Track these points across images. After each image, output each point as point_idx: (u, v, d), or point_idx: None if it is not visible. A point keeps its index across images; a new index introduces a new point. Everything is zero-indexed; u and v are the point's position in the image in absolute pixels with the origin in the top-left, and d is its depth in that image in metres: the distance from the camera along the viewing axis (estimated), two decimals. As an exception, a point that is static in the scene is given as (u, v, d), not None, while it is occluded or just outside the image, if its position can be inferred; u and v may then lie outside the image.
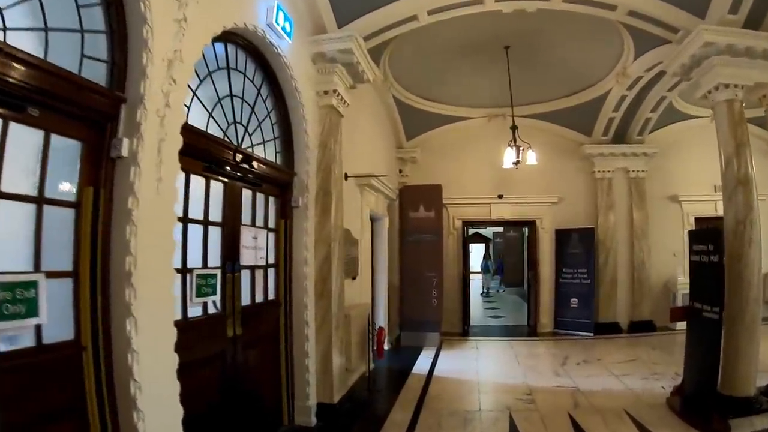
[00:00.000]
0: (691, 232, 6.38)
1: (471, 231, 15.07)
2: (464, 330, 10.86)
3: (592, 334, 10.22)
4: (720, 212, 11.63)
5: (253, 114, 4.78)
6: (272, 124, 5.18)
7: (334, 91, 5.77)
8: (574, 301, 10.68)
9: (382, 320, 8.85)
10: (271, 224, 5.09)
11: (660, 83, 8.92)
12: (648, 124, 10.57)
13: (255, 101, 4.82)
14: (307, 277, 5.33)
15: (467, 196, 11.17)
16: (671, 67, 6.58)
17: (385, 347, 8.42)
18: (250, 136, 4.67)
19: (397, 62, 8.40)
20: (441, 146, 11.35)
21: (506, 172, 9.94)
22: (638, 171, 11.05)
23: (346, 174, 6.46)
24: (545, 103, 10.58)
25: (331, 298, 5.54)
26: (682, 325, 10.35)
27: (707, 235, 5.91)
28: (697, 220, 11.49)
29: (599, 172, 10.99)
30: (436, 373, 7.57)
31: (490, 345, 9.73)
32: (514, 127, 8.39)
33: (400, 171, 11.05)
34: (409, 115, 10.26)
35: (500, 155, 8.55)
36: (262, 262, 4.82)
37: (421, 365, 7.99)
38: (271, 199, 5.10)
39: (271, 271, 5.04)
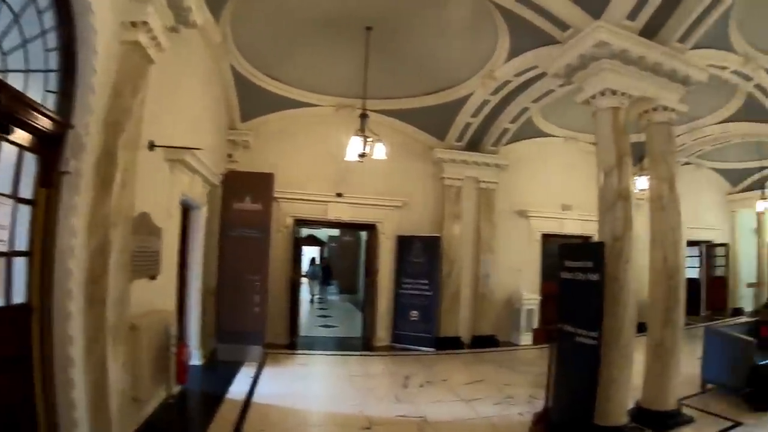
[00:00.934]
0: (564, 246, 5.98)
1: (305, 232, 14.16)
2: (292, 342, 9.80)
3: (433, 350, 9.78)
4: (566, 231, 12.42)
5: (18, 25, 3.29)
6: (47, 51, 3.65)
7: (145, 23, 4.31)
8: (414, 313, 10.17)
9: (192, 331, 7.51)
10: (25, 193, 3.55)
11: (526, 92, 8.79)
12: (505, 135, 10.50)
13: (24, 7, 3.34)
14: (74, 274, 3.85)
15: (303, 191, 10.06)
16: (554, 67, 6.26)
17: (197, 363, 7.21)
18: (3, 54, 3.25)
19: (242, 26, 7.16)
20: (279, 133, 10.16)
21: (349, 169, 9.26)
22: (489, 182, 10.96)
23: (152, 142, 5.11)
24: (401, 100, 9.96)
25: (106, 304, 4.06)
26: (526, 341, 10.71)
27: (586, 251, 5.56)
28: (544, 236, 11.79)
29: (449, 178, 10.67)
30: (256, 398, 6.37)
31: (321, 361, 8.83)
32: (364, 115, 7.53)
33: (230, 156, 9.67)
34: (247, 92, 9.00)
35: (345, 150, 7.52)
36: (3, 248, 3.33)
37: (239, 387, 6.75)
38: (28, 156, 3.55)
39: (19, 262, 3.53)
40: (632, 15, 5.57)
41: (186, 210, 7.26)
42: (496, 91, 8.88)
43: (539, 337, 5.45)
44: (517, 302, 10.85)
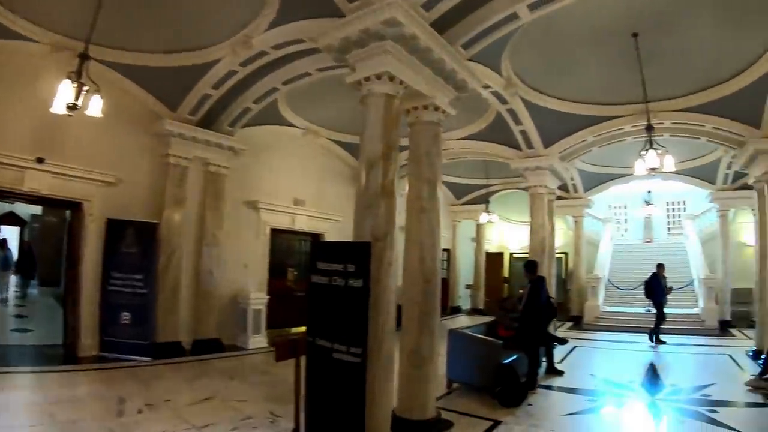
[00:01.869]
0: (317, 245, 5.47)
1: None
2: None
3: (150, 359, 8.31)
4: (297, 227, 12.11)
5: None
6: None
7: None
8: (126, 315, 8.52)
9: None
10: None
11: (280, 70, 8.23)
12: (245, 116, 9.74)
13: None
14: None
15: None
16: (329, 38, 5.65)
17: None
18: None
19: None
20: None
21: (55, 127, 7.36)
22: (220, 166, 10.04)
23: None
24: (134, 53, 8.23)
25: None
26: (255, 344, 9.92)
27: (347, 252, 4.80)
28: (274, 231, 11.35)
29: (175, 156, 9.35)
30: None
31: (7, 382, 6.59)
32: (84, 56, 5.90)
33: None
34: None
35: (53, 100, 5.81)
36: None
37: None
38: None
39: None
40: (428, 5, 5.53)
41: None
42: (247, 63, 8.06)
43: (283, 352, 4.66)
44: (243, 301, 10.16)
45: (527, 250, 19.32)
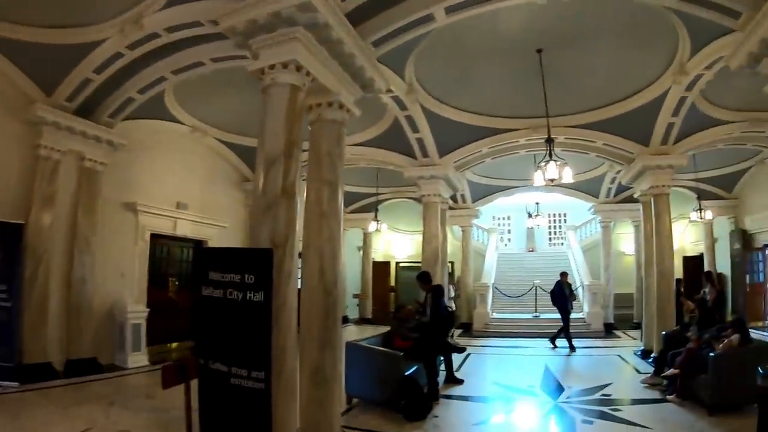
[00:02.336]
0: (208, 251, 4.75)
1: None
2: None
3: (17, 384, 7.20)
4: (179, 232, 11.33)
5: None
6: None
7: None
8: (-14, 333, 7.28)
9: None
10: None
11: (172, 57, 7.53)
12: (128, 107, 8.88)
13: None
14: None
15: None
16: (232, 20, 5.17)
17: None
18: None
19: None
20: None
21: None
22: (96, 162, 9.05)
23: None
24: (12, 25, 7.09)
25: None
26: (135, 362, 8.98)
27: (244, 260, 4.29)
28: (154, 237, 10.46)
29: (47, 148, 8.26)
30: None
31: None
32: None
33: None
34: None
35: None
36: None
37: None
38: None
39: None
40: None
41: None
42: (136, 45, 7.27)
43: (170, 377, 4.06)
44: (121, 315, 9.18)
45: (414, 260, 20.13)
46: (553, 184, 8.53)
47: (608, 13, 6.95)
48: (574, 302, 13.26)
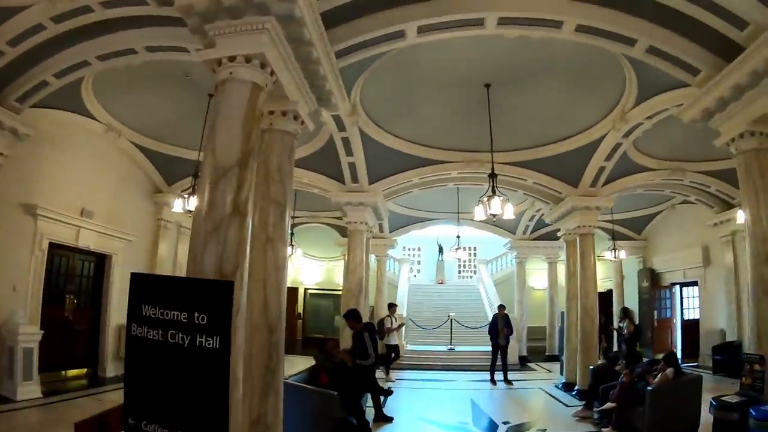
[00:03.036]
0: (141, 279, 3.27)
1: None
2: None
3: None
4: (82, 243, 9.94)
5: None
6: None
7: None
8: None
9: None
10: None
11: (102, 39, 6.42)
12: (40, 91, 7.44)
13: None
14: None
15: None
16: None
17: None
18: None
19: None
20: None
21: None
22: (-6, 153, 7.58)
23: None
24: None
25: None
26: (26, 394, 7.48)
27: (194, 294, 3.16)
28: (52, 246, 8.98)
29: (-66, 131, 6.74)
30: None
31: None
32: None
33: None
34: None
35: None
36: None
37: None
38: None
39: None
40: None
41: None
42: (62, 19, 6.07)
43: None
44: (11, 337, 7.71)
45: (323, 287, 19.51)
46: (494, 220, 8.38)
47: (564, 52, 6.98)
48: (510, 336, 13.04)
